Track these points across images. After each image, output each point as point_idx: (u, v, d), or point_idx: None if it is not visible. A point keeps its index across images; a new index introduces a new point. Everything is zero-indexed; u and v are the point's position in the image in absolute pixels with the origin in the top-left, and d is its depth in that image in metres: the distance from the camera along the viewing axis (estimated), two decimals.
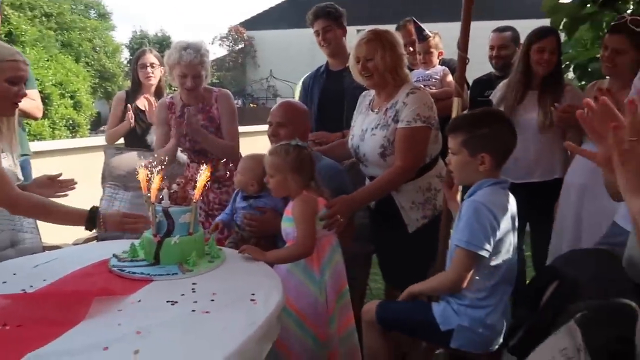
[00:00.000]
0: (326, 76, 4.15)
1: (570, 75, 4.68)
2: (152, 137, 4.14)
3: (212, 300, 1.96)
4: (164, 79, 4.53)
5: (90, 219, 2.43)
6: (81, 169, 3.88)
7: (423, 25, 4.40)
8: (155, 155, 3.29)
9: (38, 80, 11.06)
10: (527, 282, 3.46)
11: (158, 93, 4.54)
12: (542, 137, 3.63)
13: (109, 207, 3.83)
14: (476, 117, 2.54)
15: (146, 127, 4.41)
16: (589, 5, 4.13)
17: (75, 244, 3.46)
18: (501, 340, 2.46)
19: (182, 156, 3.67)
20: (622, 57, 3.22)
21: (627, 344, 1.33)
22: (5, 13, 16.55)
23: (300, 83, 4.47)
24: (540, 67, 3.63)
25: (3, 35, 13.45)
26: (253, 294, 2.00)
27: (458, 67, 3.04)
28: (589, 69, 4.73)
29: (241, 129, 3.83)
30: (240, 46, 31.78)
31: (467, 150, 2.47)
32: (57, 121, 16.21)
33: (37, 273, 2.19)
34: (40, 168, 3.17)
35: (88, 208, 2.51)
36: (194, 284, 2.13)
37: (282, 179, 2.60)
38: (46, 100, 14.01)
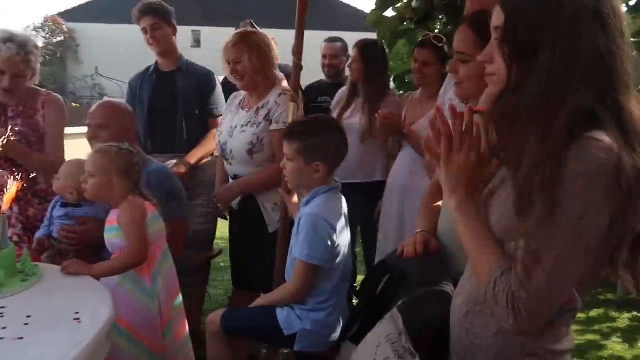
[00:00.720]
0: (156, 77, 4.05)
1: (392, 85, 5.27)
2: None
3: (26, 324, 1.81)
4: None
5: None
6: None
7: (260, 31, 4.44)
8: None
9: None
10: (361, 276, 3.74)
11: None
12: (365, 141, 4.01)
13: None
14: (311, 125, 2.68)
15: None
16: (405, 23, 4.69)
17: None
18: (339, 333, 2.63)
19: None
20: (428, 68, 3.67)
21: (442, 321, 1.49)
22: None
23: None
24: (351, 75, 4.18)
25: None
26: (77, 312, 1.88)
27: (293, 73, 3.27)
28: (406, 80, 5.41)
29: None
30: (59, 38, 28.92)
31: (303, 157, 2.61)
32: None
33: None
34: None
35: None
36: (1, 307, 1.96)
37: (106, 181, 2.47)
38: None
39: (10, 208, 2.51)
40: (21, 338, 1.71)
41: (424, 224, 2.04)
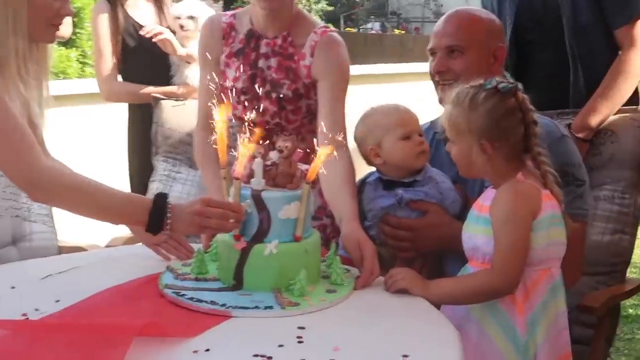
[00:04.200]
0: None
1: None
2: (186, 76, 3.11)
3: None
4: None
5: (157, 213, 1.81)
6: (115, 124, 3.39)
7: None
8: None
9: None
10: None
11: (158, 3, 3.24)
12: None
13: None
14: None
15: (159, 55, 3.13)
16: None
17: (109, 245, 2.84)
18: None
19: None
20: None
21: None
22: None
23: None
24: None
25: None
26: (405, 356, 1.46)
27: None
28: None
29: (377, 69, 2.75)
30: None
31: None
32: (90, 52, 9.77)
33: (48, 289, 1.87)
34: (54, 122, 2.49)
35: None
36: (300, 328, 1.63)
37: (478, 147, 1.72)
38: (74, 18, 7.53)
39: None
40: None
41: None
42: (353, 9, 18.12)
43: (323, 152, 1.75)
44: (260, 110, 2.17)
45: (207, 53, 2.24)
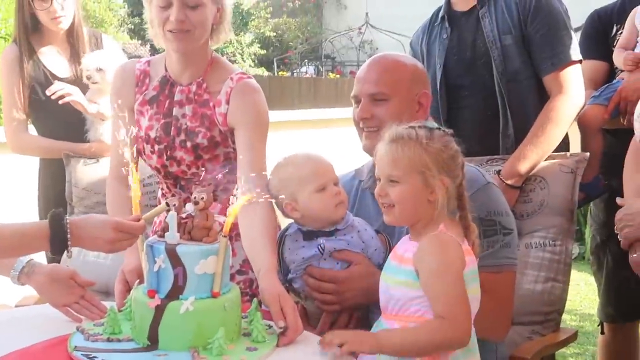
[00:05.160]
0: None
1: None
2: (101, 133, 2.89)
3: None
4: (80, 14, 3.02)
5: (56, 231, 1.71)
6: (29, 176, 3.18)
7: None
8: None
9: None
10: None
11: (74, 47, 3.02)
12: None
13: (82, 255, 2.70)
14: None
15: (72, 109, 2.91)
16: None
17: (19, 305, 2.67)
18: None
19: None
20: None
21: None
22: None
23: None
24: None
25: None
26: None
27: None
28: None
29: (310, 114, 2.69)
30: None
31: None
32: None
33: None
34: None
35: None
36: None
37: (420, 188, 1.66)
38: None
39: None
40: None
41: None
42: (286, 52, 18.09)
43: (237, 204, 1.68)
44: (177, 159, 2.10)
45: (118, 101, 2.13)
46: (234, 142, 2.10)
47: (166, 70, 2.14)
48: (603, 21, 2.85)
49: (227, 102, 2.08)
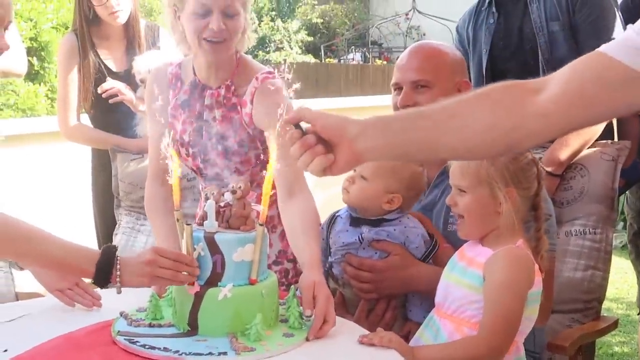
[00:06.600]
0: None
1: None
2: (146, 128, 2.79)
3: None
4: (137, 8, 3.10)
5: (104, 265, 1.72)
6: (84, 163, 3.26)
7: None
8: None
9: (31, 20, 8.45)
10: None
11: (130, 41, 3.11)
12: None
13: (128, 246, 2.93)
14: None
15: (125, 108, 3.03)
16: None
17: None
18: None
19: None
20: None
21: None
22: None
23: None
24: None
25: None
26: None
27: None
28: None
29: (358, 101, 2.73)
30: None
31: None
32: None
33: None
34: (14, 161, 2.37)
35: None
36: None
37: (487, 200, 1.70)
38: (42, 52, 9.00)
39: None
40: None
41: None
42: (333, 39, 18.04)
43: (266, 191, 1.70)
44: (210, 162, 2.14)
45: (154, 104, 2.15)
46: (262, 143, 2.09)
47: (195, 73, 2.15)
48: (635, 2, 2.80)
49: (252, 102, 2.09)
